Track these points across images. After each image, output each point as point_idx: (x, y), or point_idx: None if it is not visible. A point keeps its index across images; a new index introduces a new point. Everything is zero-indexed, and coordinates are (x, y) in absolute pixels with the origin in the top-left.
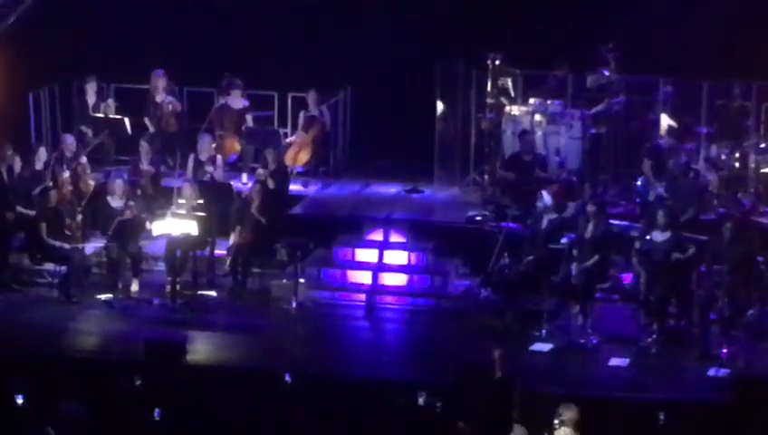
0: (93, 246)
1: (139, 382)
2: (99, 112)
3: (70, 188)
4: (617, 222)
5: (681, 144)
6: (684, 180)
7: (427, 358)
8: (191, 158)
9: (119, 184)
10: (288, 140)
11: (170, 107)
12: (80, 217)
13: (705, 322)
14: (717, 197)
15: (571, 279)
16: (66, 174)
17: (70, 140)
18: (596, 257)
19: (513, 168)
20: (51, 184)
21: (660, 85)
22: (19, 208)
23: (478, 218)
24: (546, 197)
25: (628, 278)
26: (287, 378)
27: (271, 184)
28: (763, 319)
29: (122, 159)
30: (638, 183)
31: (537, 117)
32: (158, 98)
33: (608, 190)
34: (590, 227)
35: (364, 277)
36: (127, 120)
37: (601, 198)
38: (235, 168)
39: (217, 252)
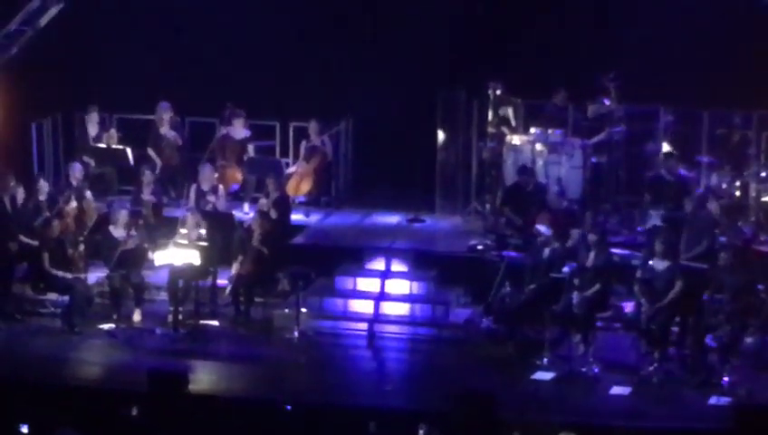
0: (96, 275)
1: (135, 412)
2: (101, 143)
3: (73, 218)
4: (618, 251)
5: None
6: (702, 212)
7: (429, 387)
8: (193, 188)
9: (121, 214)
10: (290, 169)
11: (172, 139)
12: (82, 246)
13: (707, 350)
14: (718, 225)
15: (572, 308)
16: (73, 204)
17: (77, 168)
18: (597, 286)
19: (515, 197)
20: (54, 214)
21: (661, 114)
22: (22, 238)
23: (480, 248)
24: (544, 229)
25: (629, 307)
26: (288, 408)
27: (273, 214)
28: (764, 347)
29: (124, 190)
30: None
31: (538, 146)
32: (162, 130)
33: (609, 219)
34: (592, 256)
35: (366, 307)
36: (129, 151)
37: (602, 226)
38: (236, 197)
39: (219, 282)
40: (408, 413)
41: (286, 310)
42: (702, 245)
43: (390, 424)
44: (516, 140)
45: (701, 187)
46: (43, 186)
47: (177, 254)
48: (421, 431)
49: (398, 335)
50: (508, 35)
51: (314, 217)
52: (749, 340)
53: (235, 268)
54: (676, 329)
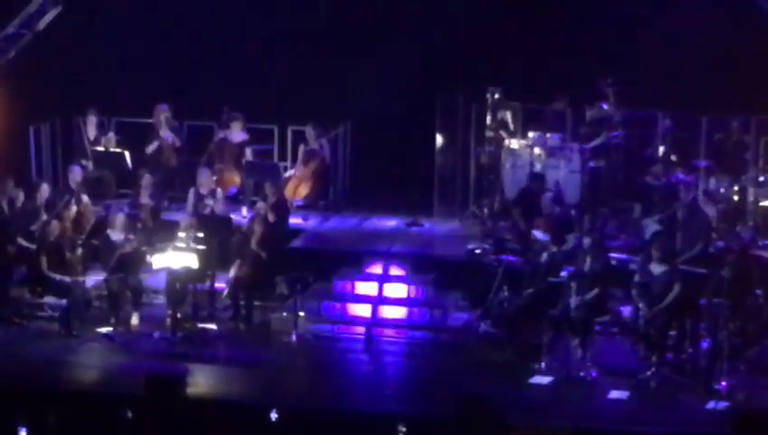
0: (94, 279)
1: (130, 415)
2: (99, 146)
3: (71, 222)
4: (616, 255)
5: (669, 175)
6: (696, 216)
7: (427, 391)
8: (191, 191)
9: (119, 218)
10: (288, 173)
11: (170, 141)
12: (80, 250)
13: (705, 355)
14: (716, 230)
15: (570, 312)
16: (72, 208)
17: (77, 171)
18: (595, 291)
19: (525, 202)
20: (52, 217)
21: (659, 119)
22: (20, 241)
23: (478, 252)
24: (540, 235)
25: (627, 311)
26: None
27: (271, 217)
28: (762, 352)
29: (123, 193)
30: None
31: (536, 150)
32: (161, 132)
33: (607, 224)
34: (588, 260)
35: (364, 310)
36: (127, 154)
37: (600, 231)
38: (234, 201)
39: (218, 285)
40: (405, 417)
41: (284, 314)
42: (697, 247)
43: (388, 428)
44: (515, 144)
45: (698, 191)
46: (45, 189)
47: (176, 257)
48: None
49: (396, 339)
50: (507, 40)
51: (312, 221)
52: (748, 345)
53: (232, 272)
54: (674, 333)
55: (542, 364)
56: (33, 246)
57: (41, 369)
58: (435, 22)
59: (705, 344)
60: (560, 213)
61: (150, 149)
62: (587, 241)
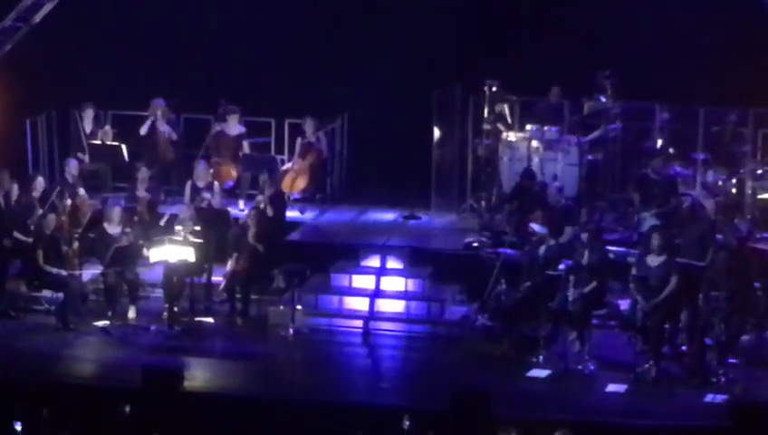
0: (90, 272)
1: (128, 409)
2: (95, 139)
3: (67, 215)
4: (613, 248)
5: (670, 168)
6: (697, 224)
7: (424, 385)
8: (188, 184)
9: (116, 211)
10: (285, 166)
11: (166, 134)
12: (77, 243)
13: (703, 348)
14: (714, 223)
15: (568, 305)
16: (68, 201)
17: (73, 164)
18: (593, 284)
19: (520, 198)
20: (47, 209)
21: (657, 112)
22: (16, 235)
23: (475, 245)
24: (537, 228)
25: (624, 304)
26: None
27: (269, 211)
28: (760, 345)
29: (119, 186)
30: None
31: (534, 143)
32: (158, 126)
33: (604, 216)
34: (586, 253)
35: (361, 304)
36: (124, 147)
37: (598, 224)
38: (231, 194)
39: (215, 279)
40: (403, 411)
41: (281, 307)
42: (709, 254)
43: (386, 422)
44: (512, 137)
45: (696, 184)
46: (40, 183)
47: (172, 251)
48: (406, 423)
49: (393, 333)
50: (504, 33)
51: (309, 214)
52: (745, 337)
53: (230, 265)
54: (671, 326)
55: (540, 357)
56: (30, 240)
57: (37, 362)
58: (431, 14)
59: (702, 337)
60: (563, 205)
61: (144, 129)
62: (584, 234)
